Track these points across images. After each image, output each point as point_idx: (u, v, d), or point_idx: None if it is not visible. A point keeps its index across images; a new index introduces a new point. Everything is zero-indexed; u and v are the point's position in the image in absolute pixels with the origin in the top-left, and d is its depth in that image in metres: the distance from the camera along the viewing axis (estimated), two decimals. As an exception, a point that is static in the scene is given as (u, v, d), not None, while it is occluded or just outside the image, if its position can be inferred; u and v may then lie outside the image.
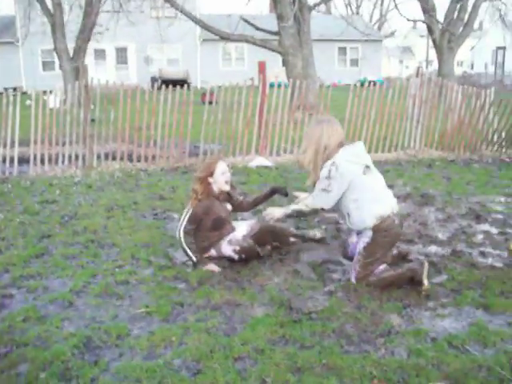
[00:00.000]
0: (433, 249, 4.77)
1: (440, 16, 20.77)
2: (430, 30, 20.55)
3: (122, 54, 31.32)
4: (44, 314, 3.61)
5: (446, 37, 20.03)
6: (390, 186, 6.90)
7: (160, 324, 3.45)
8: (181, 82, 15.89)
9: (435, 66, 26.50)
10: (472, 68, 42.23)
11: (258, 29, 14.96)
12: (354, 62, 34.73)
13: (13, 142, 8.33)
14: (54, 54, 19.57)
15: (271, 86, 9.51)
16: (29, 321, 3.52)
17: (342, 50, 34.65)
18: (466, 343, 3.15)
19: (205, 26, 14.90)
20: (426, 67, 37.83)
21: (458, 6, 19.77)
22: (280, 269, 4.33)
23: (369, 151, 9.25)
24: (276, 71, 23.35)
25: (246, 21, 14.68)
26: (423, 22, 21.20)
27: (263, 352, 3.07)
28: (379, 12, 48.92)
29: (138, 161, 8.75)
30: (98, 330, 3.36)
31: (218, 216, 4.42)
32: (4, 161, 8.34)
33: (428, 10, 19.54)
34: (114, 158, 8.77)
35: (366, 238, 3.92)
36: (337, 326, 3.39)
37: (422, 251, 4.70)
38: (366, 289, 3.89)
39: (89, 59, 23.13)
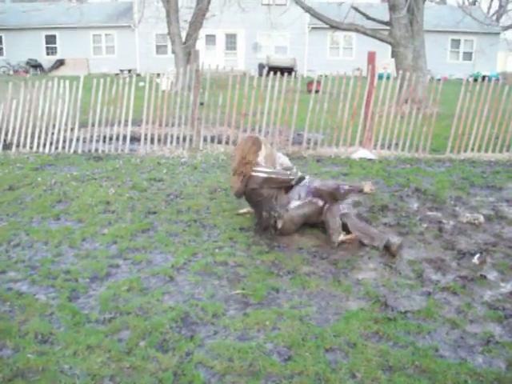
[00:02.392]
0: (543, 258, 4.50)
1: None
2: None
3: (231, 40, 31.84)
4: (146, 286, 3.82)
5: None
6: (499, 189, 6.63)
7: (255, 307, 3.53)
8: (288, 70, 15.94)
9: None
10: None
11: (368, 18, 14.64)
12: (468, 56, 33.02)
13: (126, 121, 8.78)
14: (168, 39, 20.28)
15: (379, 77, 9.30)
16: (132, 291, 3.74)
17: (456, 43, 33.05)
18: None
19: (315, 14, 14.78)
20: (548, 63, 35.23)
21: None
22: (378, 264, 4.28)
23: (478, 150, 8.85)
24: (384, 62, 22.80)
25: (357, 10, 14.42)
26: (548, 14, 19.70)
27: (355, 346, 3.06)
28: (498, 2, 45.97)
29: (242, 145, 8.91)
30: (195, 307, 3.50)
31: None
32: (117, 138, 8.82)
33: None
34: (219, 142, 8.99)
35: None
36: (433, 328, 3.31)
37: (531, 260, 4.44)
38: (466, 293, 3.76)
39: (200, 44, 23.77)
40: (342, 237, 4.66)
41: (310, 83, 10.97)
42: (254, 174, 4.75)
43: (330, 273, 4.10)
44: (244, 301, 3.62)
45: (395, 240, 4.50)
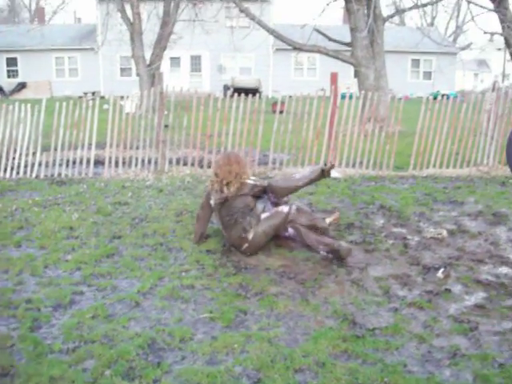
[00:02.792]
0: (504, 270, 4.58)
1: (520, 28, 19.92)
2: (508, 43, 19.59)
3: (196, 62, 32.02)
4: (111, 313, 3.73)
5: (525, 50, 19.17)
6: (461, 203, 6.77)
7: (223, 330, 3.49)
8: (252, 91, 16.08)
9: (512, 80, 25.39)
10: (554, 82, 40.31)
11: (330, 39, 14.93)
12: (427, 75, 33.91)
13: (90, 145, 8.68)
14: (132, 61, 20.26)
15: (342, 97, 9.46)
16: (97, 318, 3.64)
17: (416, 62, 33.94)
18: (538, 372, 3.00)
19: (279, 37, 15.00)
20: (503, 81, 36.45)
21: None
22: (345, 282, 4.29)
23: (440, 166, 9.05)
24: (347, 82, 23.21)
25: (319, 31, 14.68)
26: (501, 34, 20.36)
27: (324, 365, 3.05)
28: (455, 24, 47.45)
29: (209, 167, 8.86)
30: (162, 332, 3.43)
31: None
32: (81, 162, 8.70)
33: (506, 22, 18.76)
34: (185, 164, 8.96)
35: None
36: (401, 344, 3.32)
37: (493, 272, 4.53)
38: (432, 308, 3.81)
39: (164, 66, 23.81)
40: (328, 220, 5.39)
41: (275, 104, 11.04)
42: (247, 181, 5.02)
43: (297, 292, 4.09)
44: (212, 324, 3.58)
45: (346, 245, 4.82)
